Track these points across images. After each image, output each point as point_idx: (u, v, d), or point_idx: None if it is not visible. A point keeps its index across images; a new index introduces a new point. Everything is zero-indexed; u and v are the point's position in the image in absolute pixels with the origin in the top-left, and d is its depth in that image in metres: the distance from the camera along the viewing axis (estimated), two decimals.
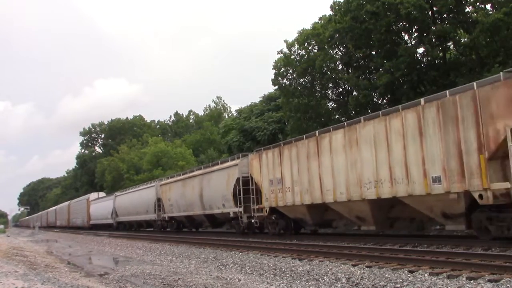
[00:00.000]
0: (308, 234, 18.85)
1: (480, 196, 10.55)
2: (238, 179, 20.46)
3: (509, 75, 10.73)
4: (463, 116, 10.86)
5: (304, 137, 16.89)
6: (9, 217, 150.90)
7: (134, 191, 36.96)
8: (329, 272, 9.40)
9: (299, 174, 16.56)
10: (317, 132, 16.50)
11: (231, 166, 21.49)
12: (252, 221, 19.87)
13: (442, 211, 12.11)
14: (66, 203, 64.92)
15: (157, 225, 31.91)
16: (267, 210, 18.57)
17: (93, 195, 51.54)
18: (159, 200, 30.67)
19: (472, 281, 7.50)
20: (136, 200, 35.17)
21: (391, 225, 14.71)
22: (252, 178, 19.81)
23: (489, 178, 10.33)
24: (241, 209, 20.24)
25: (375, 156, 13.33)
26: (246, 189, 20.02)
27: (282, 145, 18.14)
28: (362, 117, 14.55)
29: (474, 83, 11.18)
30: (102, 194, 52.12)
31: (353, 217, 15.25)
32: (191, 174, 26.60)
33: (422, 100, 12.35)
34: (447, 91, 11.89)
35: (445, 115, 11.33)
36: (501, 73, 10.90)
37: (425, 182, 11.79)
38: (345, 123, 15.31)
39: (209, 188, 23.49)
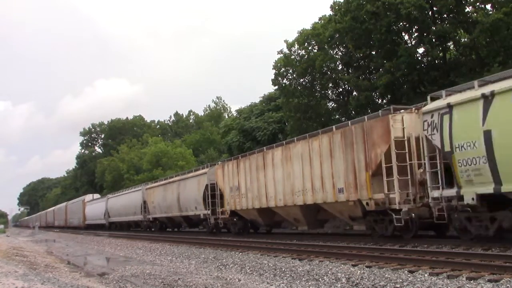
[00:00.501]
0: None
1: (367, 204, 13.76)
2: (207, 186, 23.40)
3: (385, 112, 13.55)
4: (357, 142, 14.06)
5: (256, 152, 20.36)
6: (9, 217, 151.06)
7: (123, 193, 39.93)
8: (329, 272, 9.40)
9: (251, 183, 19.77)
10: (264, 148, 19.86)
11: (201, 174, 24.58)
12: (218, 221, 22.78)
13: (348, 214, 15.30)
14: (64, 204, 67.01)
15: (143, 225, 34.84)
16: (228, 213, 21.65)
17: (88, 197, 53.83)
18: (145, 202, 33.68)
19: (472, 281, 7.50)
20: (125, 202, 38.14)
21: (321, 226, 18.34)
22: (217, 185, 22.82)
23: (372, 190, 13.52)
24: (209, 212, 23.18)
25: (302, 170, 16.45)
26: (213, 194, 22.99)
27: (239, 158, 21.45)
28: (295, 138, 18.03)
29: (366, 117, 14.41)
30: (97, 195, 54.42)
31: (291, 219, 18.50)
32: (170, 180, 29.57)
33: (333, 127, 15.75)
34: (349, 122, 15.24)
35: (346, 140, 14.53)
36: (380, 110, 14.08)
37: (333, 192, 14.96)
38: (284, 142, 18.82)
39: (185, 193, 26.42)
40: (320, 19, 30.05)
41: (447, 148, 11.16)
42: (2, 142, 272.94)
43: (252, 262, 12.13)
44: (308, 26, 30.18)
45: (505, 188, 9.95)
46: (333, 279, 8.81)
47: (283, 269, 10.35)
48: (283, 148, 17.81)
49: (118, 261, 16.62)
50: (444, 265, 8.86)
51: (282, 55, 30.61)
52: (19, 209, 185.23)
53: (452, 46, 24.22)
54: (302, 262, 11.34)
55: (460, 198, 11.06)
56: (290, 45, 30.12)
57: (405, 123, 12.99)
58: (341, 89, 30.55)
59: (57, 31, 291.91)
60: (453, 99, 11.28)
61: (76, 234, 45.36)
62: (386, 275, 8.55)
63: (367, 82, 25.58)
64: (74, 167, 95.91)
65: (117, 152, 70.17)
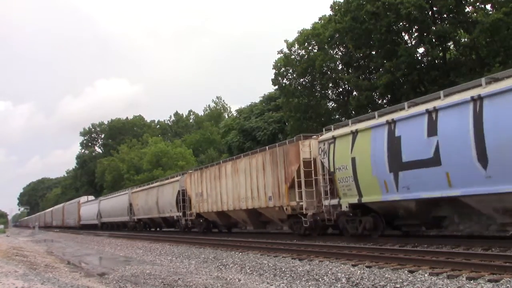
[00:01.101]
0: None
1: (286, 209, 17.26)
2: (179, 191, 27.29)
3: (298, 138, 17.24)
4: (280, 161, 17.72)
5: (215, 164, 24.46)
6: (9, 217, 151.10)
7: (113, 196, 43.53)
8: (329, 272, 9.39)
9: (210, 190, 23.21)
10: (221, 161, 24.13)
11: (175, 181, 28.50)
12: (187, 222, 26.41)
13: (277, 217, 18.92)
14: (61, 205, 69.98)
15: (129, 225, 38.22)
16: (194, 215, 25.27)
17: (83, 198, 56.98)
18: (130, 205, 37.36)
19: (472, 281, 7.50)
20: (115, 204, 41.84)
21: (264, 227, 21.51)
22: (186, 191, 26.43)
23: (289, 199, 17.09)
24: (180, 214, 26.92)
25: (245, 181, 20.09)
26: (184, 199, 26.53)
27: (203, 168, 25.05)
28: (242, 154, 22.23)
29: (287, 141, 18.41)
30: (91, 197, 57.48)
31: (241, 221, 22.15)
32: (151, 185, 33.35)
33: (267, 147, 19.57)
34: (277, 144, 19.46)
35: (273, 159, 18.18)
36: (295, 137, 18.08)
37: (265, 199, 18.55)
38: (234, 157, 23.25)
39: (163, 197, 30.23)
40: (320, 19, 30.08)
41: (331, 169, 14.92)
42: (3, 142, 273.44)
43: (252, 262, 12.12)
44: (308, 26, 30.23)
45: (364, 199, 13.78)
46: (333, 279, 8.81)
47: (283, 269, 10.35)
48: (232, 162, 21.69)
49: (118, 261, 16.63)
50: (444, 265, 8.85)
51: (282, 55, 30.63)
52: (19, 209, 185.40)
53: (452, 46, 24.22)
54: (302, 262, 11.33)
55: (340, 206, 14.77)
56: (290, 45, 30.13)
57: (312, 147, 16.60)
58: (341, 89, 30.56)
59: (57, 31, 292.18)
60: (336, 132, 15.02)
61: (76, 234, 45.52)
62: (386, 275, 8.54)
63: (367, 82, 25.58)
64: (74, 167, 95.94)
65: (117, 152, 70.17)
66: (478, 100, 10.41)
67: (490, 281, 7.37)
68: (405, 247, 12.32)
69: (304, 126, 29.58)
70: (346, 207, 14.38)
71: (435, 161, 11.28)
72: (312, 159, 16.50)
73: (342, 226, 15.39)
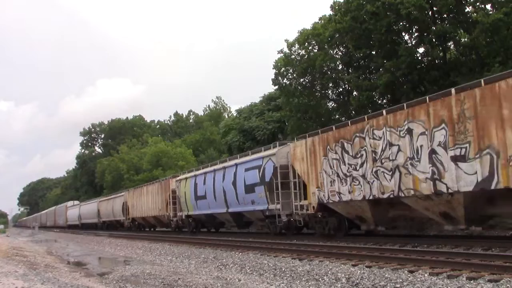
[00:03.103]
0: (308, 234, 19.33)
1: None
2: (123, 202, 37.05)
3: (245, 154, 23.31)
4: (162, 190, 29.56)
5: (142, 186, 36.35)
6: (9, 217, 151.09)
7: (88, 203, 54.59)
8: (329, 272, 9.39)
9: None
10: (147, 184, 35.94)
11: (121, 195, 38.98)
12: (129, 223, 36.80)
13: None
14: (53, 207, 79.90)
15: (98, 225, 48.70)
16: (131, 219, 36.38)
17: (70, 203, 67.76)
18: (99, 210, 47.88)
19: (472, 281, 7.49)
20: (89, 209, 52.29)
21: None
22: (127, 202, 36.69)
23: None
24: (124, 217, 37.09)
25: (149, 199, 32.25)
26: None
27: (135, 188, 37.22)
28: (147, 183, 34.17)
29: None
30: (77, 202, 66.61)
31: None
32: (109, 197, 43.75)
33: (156, 181, 30.47)
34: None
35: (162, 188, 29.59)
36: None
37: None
38: (149, 183, 36.07)
39: (115, 206, 40.54)
40: (320, 19, 30.04)
41: (180, 195, 28.10)
42: (5, 143, 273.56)
43: (252, 262, 12.12)
44: (308, 26, 30.21)
45: (189, 213, 26.19)
46: (333, 279, 8.81)
47: (283, 269, 10.34)
48: (159, 183, 31.65)
49: (118, 261, 16.63)
50: (444, 265, 8.85)
51: (282, 54, 30.60)
52: (19, 209, 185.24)
53: (452, 46, 24.21)
54: (302, 262, 11.32)
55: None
56: (290, 45, 30.10)
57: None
58: (341, 89, 30.53)
59: (59, 32, 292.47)
60: (180, 178, 28.46)
61: (76, 234, 45.73)
62: (386, 275, 8.54)
63: (367, 82, 25.57)
64: (74, 167, 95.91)
65: (117, 152, 70.15)
66: (218, 171, 23.08)
67: (490, 281, 7.36)
68: (405, 247, 12.31)
69: (304, 126, 29.56)
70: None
71: (204, 196, 23.90)
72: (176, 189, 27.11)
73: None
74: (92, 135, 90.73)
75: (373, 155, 13.24)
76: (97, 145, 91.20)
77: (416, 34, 23.95)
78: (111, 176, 64.69)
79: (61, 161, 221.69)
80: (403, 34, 24.51)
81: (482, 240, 11.85)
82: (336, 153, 14.76)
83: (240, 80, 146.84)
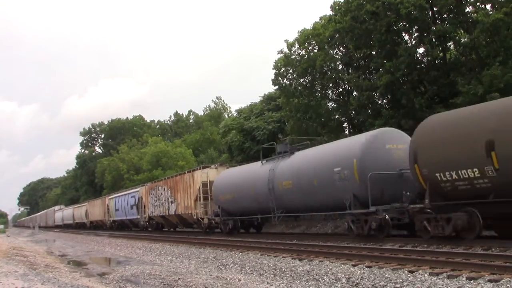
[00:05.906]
0: (309, 234, 19.27)
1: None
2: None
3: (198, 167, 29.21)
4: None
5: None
6: (9, 217, 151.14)
7: (72, 208, 65.60)
8: (329, 272, 9.39)
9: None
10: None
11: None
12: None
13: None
14: (46, 210, 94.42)
15: (87, 226, 55.27)
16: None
17: (57, 207, 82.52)
18: (86, 211, 54.76)
19: (472, 281, 7.50)
20: (70, 212, 64.76)
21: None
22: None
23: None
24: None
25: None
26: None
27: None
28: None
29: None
30: (62, 206, 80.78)
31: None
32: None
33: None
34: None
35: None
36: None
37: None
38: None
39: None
40: (320, 19, 29.99)
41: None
42: (7, 143, 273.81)
43: (252, 262, 12.12)
44: (308, 26, 30.16)
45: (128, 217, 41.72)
46: (333, 279, 8.81)
47: (283, 269, 10.34)
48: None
49: (118, 261, 16.63)
50: (444, 265, 8.85)
51: (282, 55, 30.56)
52: (19, 209, 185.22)
53: (452, 46, 24.18)
54: (302, 262, 11.32)
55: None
56: (290, 45, 30.04)
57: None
58: (341, 89, 30.47)
59: (61, 34, 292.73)
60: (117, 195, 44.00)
61: (76, 234, 45.71)
62: (386, 275, 8.54)
63: (367, 82, 25.54)
64: (74, 167, 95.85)
65: (117, 152, 70.08)
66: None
67: (490, 281, 7.37)
68: (405, 247, 12.31)
69: (304, 126, 29.50)
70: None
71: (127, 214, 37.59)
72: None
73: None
74: (92, 135, 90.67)
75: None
76: (97, 145, 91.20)
77: (416, 34, 23.92)
78: (111, 176, 64.64)
79: (63, 161, 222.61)
80: (403, 34, 24.47)
81: (482, 240, 11.85)
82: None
83: (240, 80, 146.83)
